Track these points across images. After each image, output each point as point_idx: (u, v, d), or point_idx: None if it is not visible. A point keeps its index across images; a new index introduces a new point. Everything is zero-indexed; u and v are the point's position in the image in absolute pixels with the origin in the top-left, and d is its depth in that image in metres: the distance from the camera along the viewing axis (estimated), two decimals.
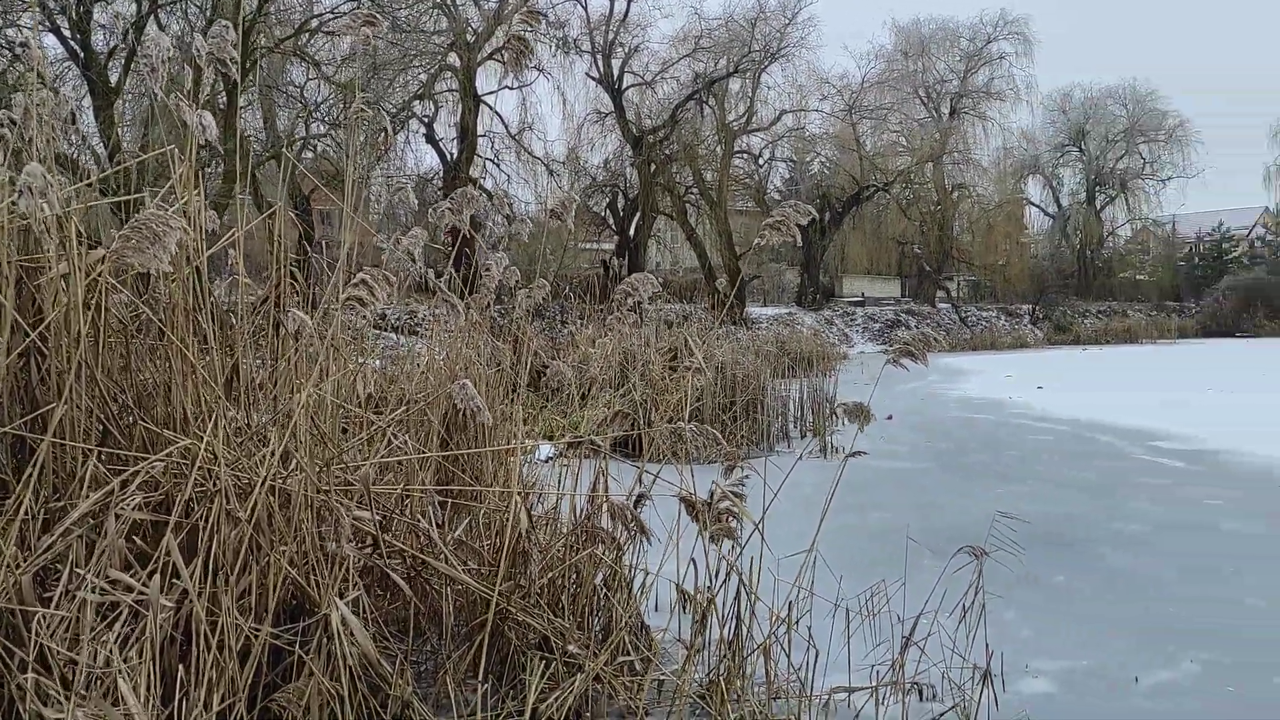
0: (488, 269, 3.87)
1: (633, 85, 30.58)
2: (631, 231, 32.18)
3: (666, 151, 30.40)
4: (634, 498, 3.11)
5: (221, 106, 14.59)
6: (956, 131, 39.52)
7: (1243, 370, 20.10)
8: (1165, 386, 16.57)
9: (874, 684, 2.94)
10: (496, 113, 27.54)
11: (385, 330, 4.79)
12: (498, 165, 28.11)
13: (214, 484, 2.36)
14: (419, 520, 3.05)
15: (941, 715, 2.92)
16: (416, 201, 3.87)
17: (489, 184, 27.00)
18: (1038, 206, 49.05)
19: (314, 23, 19.23)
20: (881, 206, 40.33)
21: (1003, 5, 44.42)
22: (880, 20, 65.77)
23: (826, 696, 2.94)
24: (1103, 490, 6.78)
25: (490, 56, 25.35)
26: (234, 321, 3.14)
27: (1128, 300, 47.06)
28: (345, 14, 18.23)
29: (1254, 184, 70.74)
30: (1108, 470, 7.63)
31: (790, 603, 2.86)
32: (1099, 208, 48.24)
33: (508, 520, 2.94)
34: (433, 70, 24.37)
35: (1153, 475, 7.35)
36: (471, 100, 25.19)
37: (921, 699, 3.04)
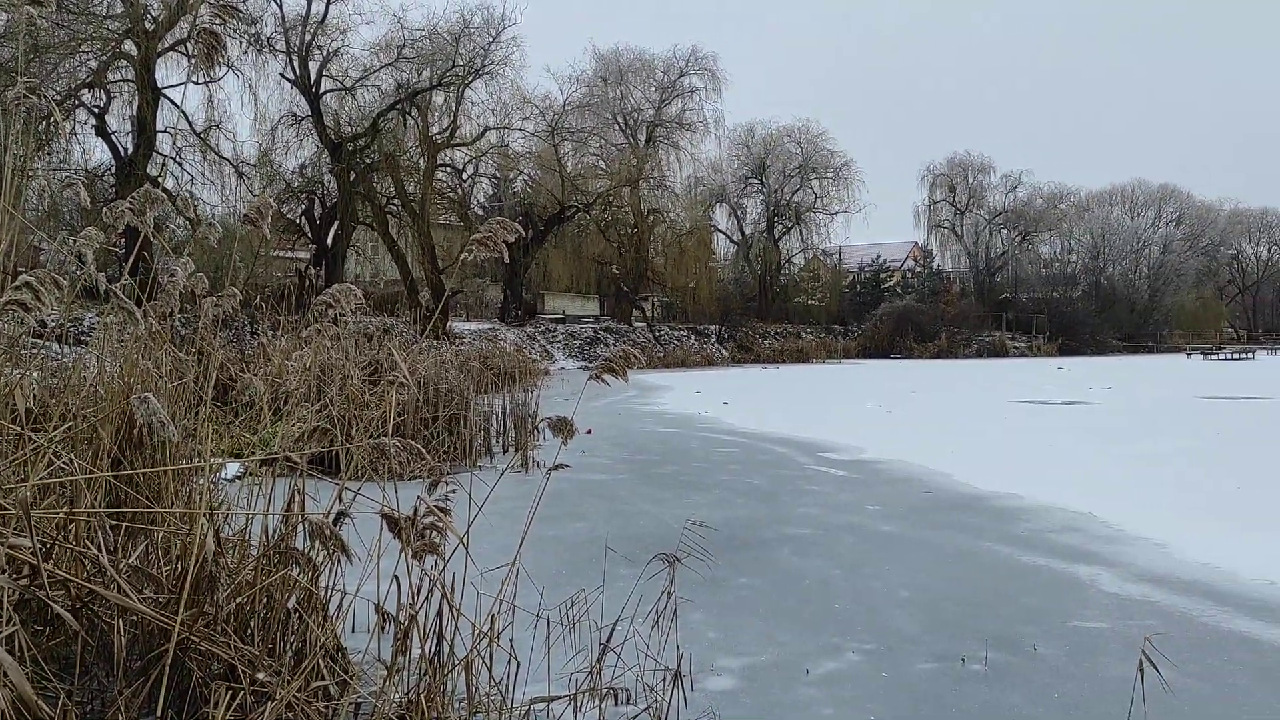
0: (171, 275, 3.60)
1: (332, 90, 29.49)
2: (329, 240, 30.97)
3: (367, 160, 29.56)
4: (333, 516, 3.01)
5: None
6: (652, 158, 41.48)
7: (895, 387, 22.48)
8: (832, 402, 18.22)
9: (572, 691, 3.02)
10: (179, 108, 25.55)
11: (45, 339, 4.31)
12: (180, 164, 26.08)
13: None
14: (87, 547, 2.79)
15: (635, 717, 3.05)
16: (88, 199, 3.44)
17: (169, 183, 25.00)
18: (724, 234, 52.49)
19: None
20: (582, 227, 41.46)
21: (695, 42, 47.17)
22: (582, 46, 67.69)
23: (527, 707, 2.98)
24: (778, 497, 7.35)
25: (172, 48, 23.53)
26: None
27: (801, 323, 51.36)
28: None
29: (907, 221, 79.38)
30: (782, 479, 8.27)
31: (493, 616, 2.88)
32: (777, 237, 52.37)
33: (190, 544, 2.75)
34: (105, 57, 22.27)
35: (820, 483, 8.05)
36: (150, 93, 23.24)
37: (617, 703, 3.15)
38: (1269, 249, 78.18)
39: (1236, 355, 47.61)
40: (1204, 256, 68.57)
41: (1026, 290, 60.72)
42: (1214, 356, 47.08)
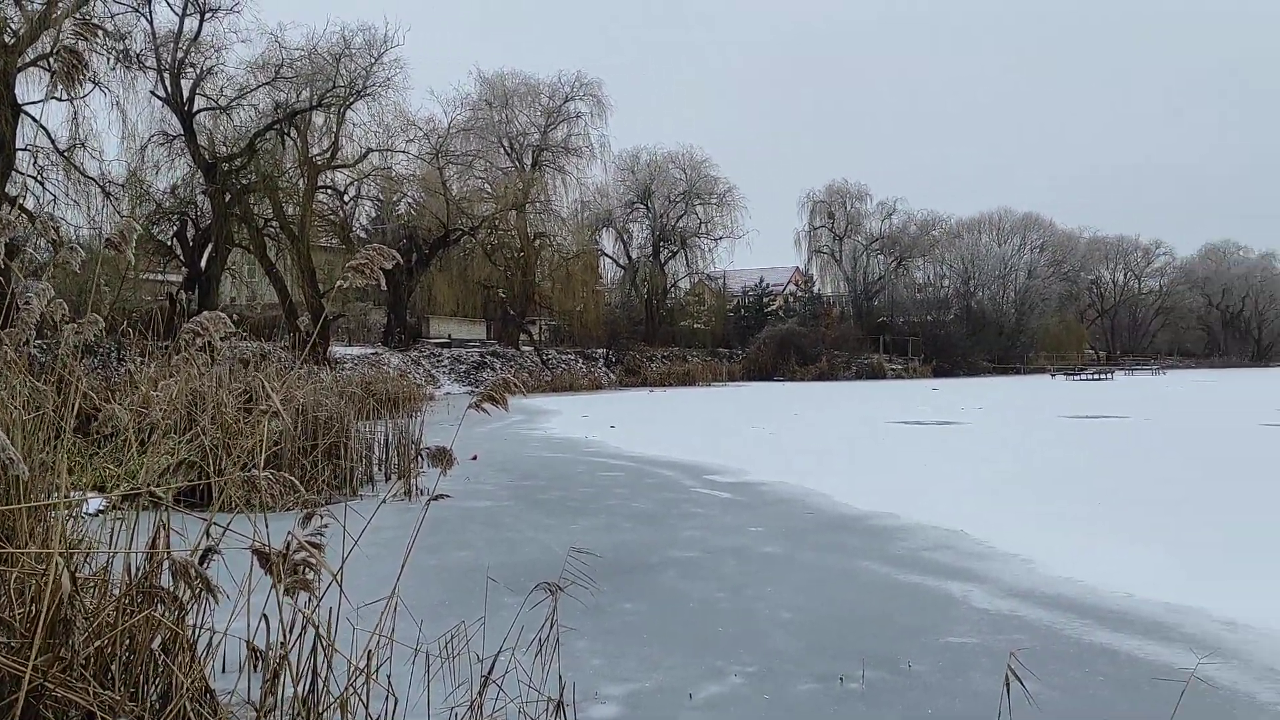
0: (27, 302, 3.43)
1: (206, 109, 28.59)
2: (203, 263, 29.92)
3: (244, 181, 28.71)
4: (200, 552, 2.90)
5: None
6: (538, 182, 41.44)
7: (778, 409, 22.91)
8: (717, 424, 18.43)
9: None
10: (41, 125, 24.37)
11: None
12: (41, 183, 24.83)
13: None
14: None
15: None
16: None
17: (30, 203, 23.77)
18: (611, 258, 52.77)
19: None
20: (468, 250, 41.11)
21: (579, 68, 47.46)
22: (466, 69, 67.37)
23: None
24: (664, 520, 7.39)
25: (34, 63, 22.47)
26: None
27: (688, 346, 51.94)
28: None
29: (790, 247, 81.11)
30: (668, 501, 8.33)
31: (370, 652, 2.81)
32: (663, 261, 52.96)
33: (45, 584, 2.60)
34: None
35: (704, 506, 8.13)
36: (9, 109, 22.11)
37: None
38: (1125, 274, 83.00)
39: (1097, 376, 50.14)
40: (1066, 281, 72.26)
41: (902, 314, 62.82)
42: (1077, 377, 49.50)
